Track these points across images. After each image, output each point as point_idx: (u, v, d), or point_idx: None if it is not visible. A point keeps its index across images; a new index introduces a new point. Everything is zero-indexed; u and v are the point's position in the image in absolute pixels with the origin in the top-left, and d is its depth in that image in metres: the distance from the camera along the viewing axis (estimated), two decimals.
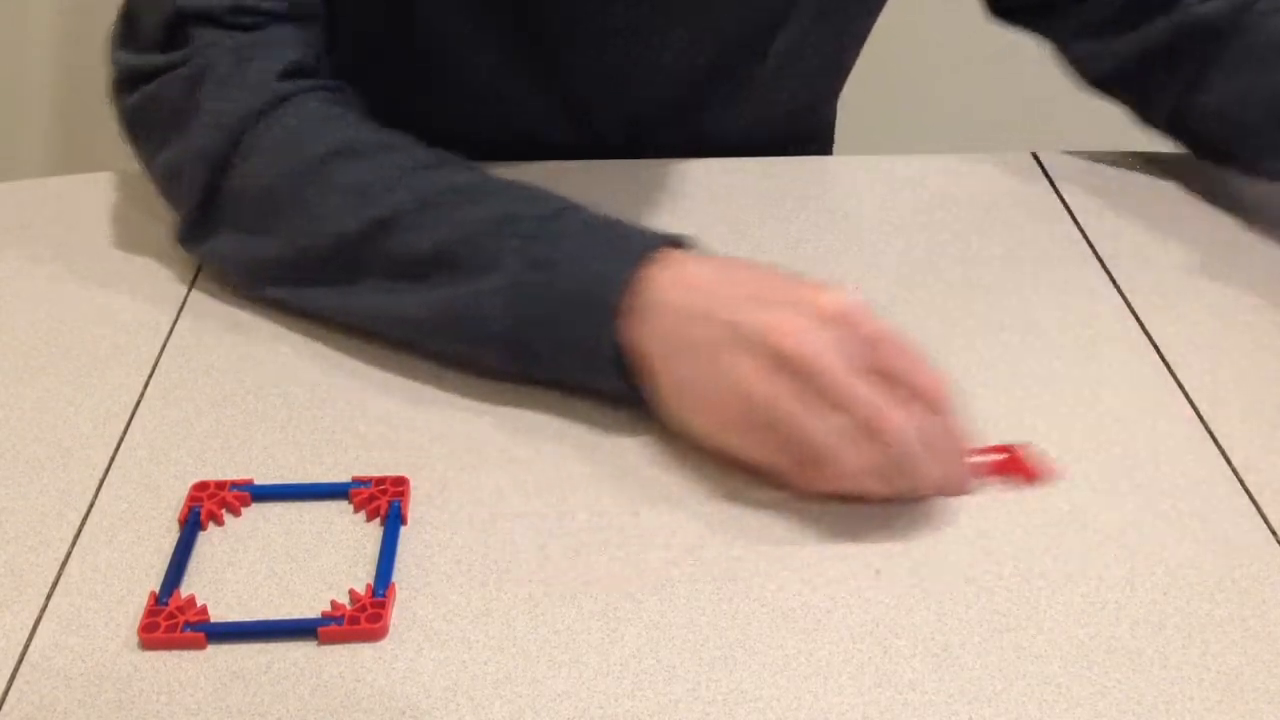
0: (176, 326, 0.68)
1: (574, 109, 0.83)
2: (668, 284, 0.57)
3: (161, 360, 0.65)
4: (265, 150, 0.66)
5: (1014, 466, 0.58)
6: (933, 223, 0.77)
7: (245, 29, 0.68)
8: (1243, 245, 0.75)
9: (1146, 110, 0.81)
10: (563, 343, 0.59)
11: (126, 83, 0.71)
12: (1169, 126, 0.80)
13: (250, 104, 0.66)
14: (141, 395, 0.63)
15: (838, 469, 0.54)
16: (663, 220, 0.77)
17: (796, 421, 0.54)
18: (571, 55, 0.81)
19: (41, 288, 0.71)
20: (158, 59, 0.69)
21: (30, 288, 0.71)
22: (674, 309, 0.57)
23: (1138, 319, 0.69)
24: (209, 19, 0.68)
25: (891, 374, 0.54)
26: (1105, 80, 0.82)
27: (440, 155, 0.66)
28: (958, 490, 0.56)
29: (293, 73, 0.68)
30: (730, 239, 0.76)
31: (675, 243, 0.60)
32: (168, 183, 0.70)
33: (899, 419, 0.53)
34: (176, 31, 0.68)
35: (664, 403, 0.58)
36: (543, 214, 0.61)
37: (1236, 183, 0.80)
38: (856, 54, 0.89)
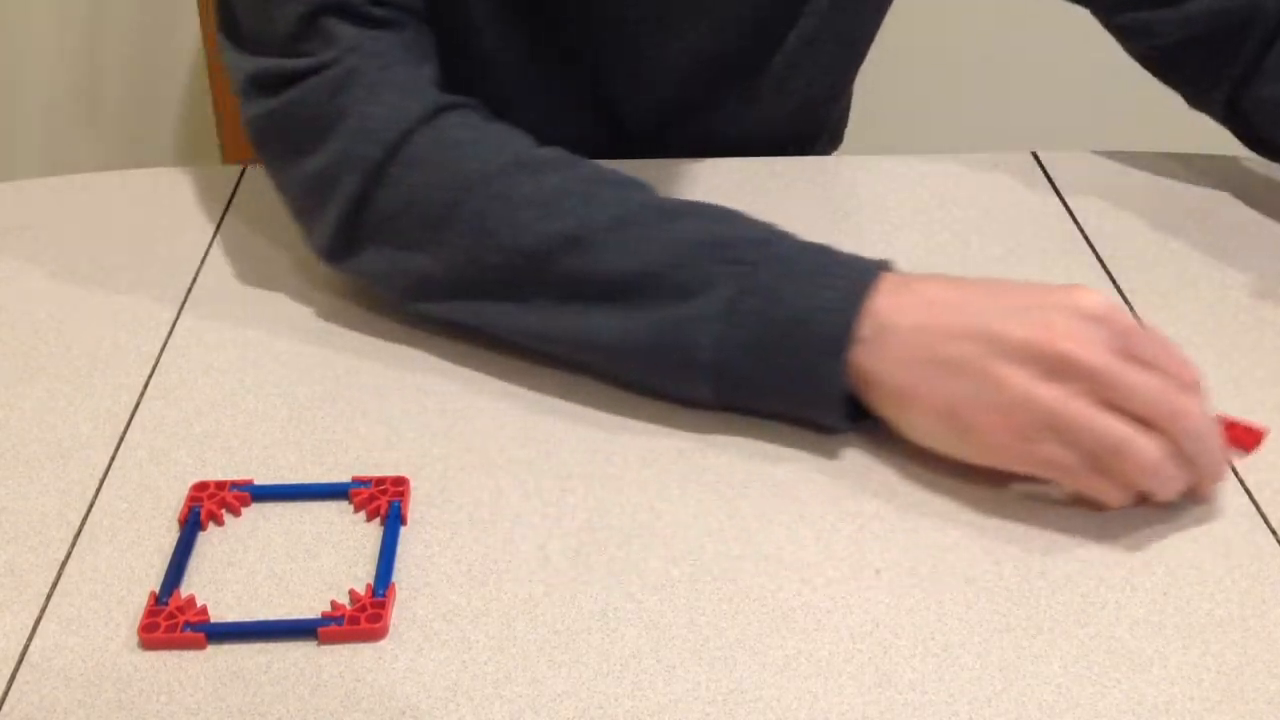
0: (176, 326, 0.68)
1: (598, 100, 0.83)
2: (902, 308, 0.57)
3: (161, 360, 0.65)
4: (429, 161, 0.63)
5: (1239, 437, 0.59)
6: (933, 223, 0.77)
7: (380, 23, 0.66)
8: (1242, 245, 0.75)
9: (1197, 96, 0.79)
10: (783, 373, 0.58)
11: (259, 87, 0.67)
12: (1225, 116, 0.79)
13: (407, 112, 0.64)
14: (141, 395, 0.63)
15: (1138, 461, 0.53)
16: None
17: (1090, 420, 0.53)
18: (596, 47, 0.81)
19: (41, 288, 0.71)
20: (297, 63, 0.65)
21: (30, 288, 0.71)
22: (918, 332, 0.56)
23: (1138, 319, 0.69)
24: (344, 11, 0.65)
25: (1150, 363, 0.54)
26: (1149, 61, 0.80)
27: (616, 171, 0.64)
28: (1221, 475, 0.56)
29: (437, 80, 0.67)
30: None
31: (884, 266, 0.59)
32: (310, 193, 0.66)
33: (1192, 403, 0.53)
34: (308, 29, 0.65)
35: (928, 427, 0.57)
36: (754, 238, 0.60)
37: (1236, 183, 0.80)
38: (871, 41, 0.89)
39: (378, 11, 0.66)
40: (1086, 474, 0.55)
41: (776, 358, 0.57)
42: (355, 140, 0.64)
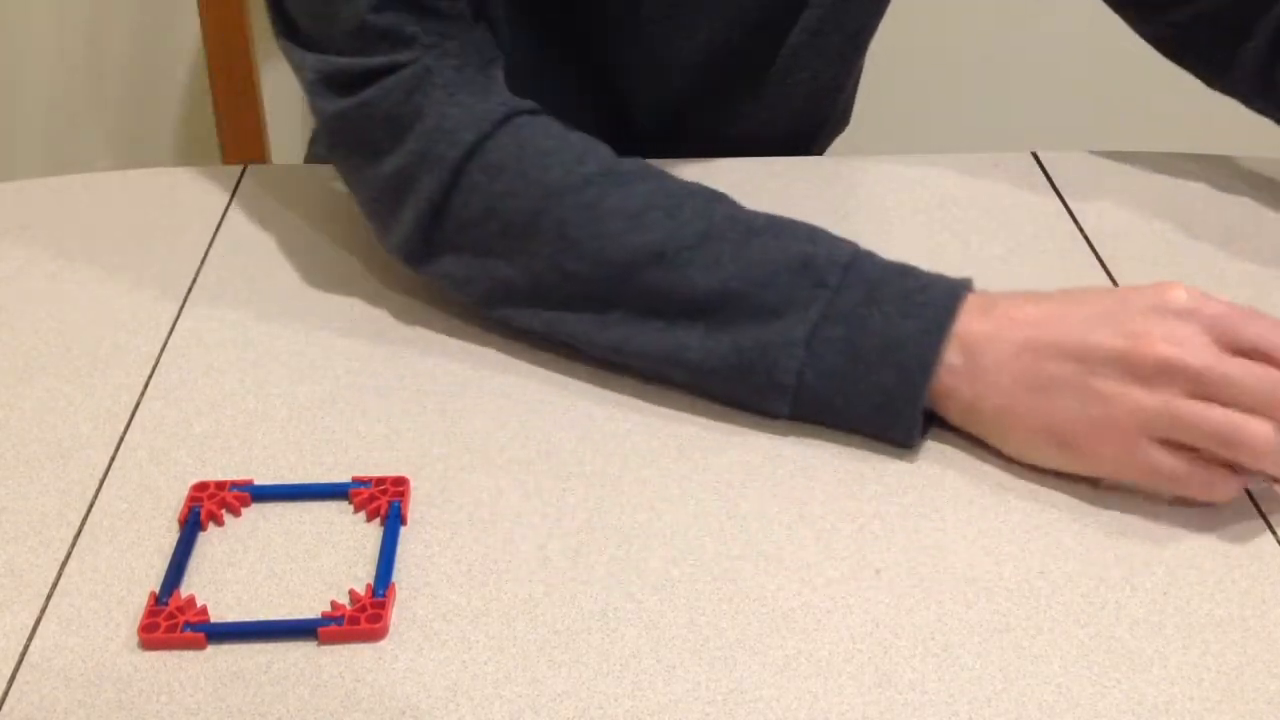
0: (176, 326, 0.68)
1: (607, 97, 0.83)
2: (989, 332, 0.57)
3: (161, 360, 0.65)
4: (510, 167, 0.63)
5: None
6: (933, 223, 0.77)
7: (446, 18, 0.65)
8: (1242, 245, 0.75)
9: (1217, 77, 0.78)
10: (865, 401, 0.58)
11: (332, 85, 0.66)
12: (1253, 94, 0.77)
13: (486, 114, 0.64)
14: (141, 395, 0.63)
15: (1253, 446, 0.53)
16: None
17: (1198, 417, 0.53)
18: (607, 46, 0.81)
19: (41, 288, 0.71)
20: (369, 60, 0.64)
21: (30, 288, 0.71)
22: (1011, 355, 0.56)
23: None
24: (411, 4, 0.64)
25: (1249, 348, 0.54)
26: (1163, 42, 0.80)
27: (698, 184, 0.63)
28: None
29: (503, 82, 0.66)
30: None
31: (967, 286, 0.59)
32: (386, 193, 0.65)
33: None
34: (376, 24, 0.64)
35: (1032, 446, 0.57)
36: (839, 259, 0.59)
37: (1236, 182, 0.80)
38: (874, 31, 0.89)
39: (443, 5, 0.65)
40: (1196, 476, 0.55)
41: (859, 385, 0.58)
42: (434, 141, 0.63)
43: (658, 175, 0.64)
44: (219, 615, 0.51)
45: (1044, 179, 0.82)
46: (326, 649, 0.50)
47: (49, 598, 0.52)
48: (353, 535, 0.55)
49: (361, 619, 0.51)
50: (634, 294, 0.61)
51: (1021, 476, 0.58)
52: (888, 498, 0.57)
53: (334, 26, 0.65)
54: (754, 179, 0.81)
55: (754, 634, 0.51)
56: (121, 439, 0.60)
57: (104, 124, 1.48)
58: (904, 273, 0.60)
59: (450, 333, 0.66)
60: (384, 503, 0.56)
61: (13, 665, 0.50)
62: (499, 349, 0.65)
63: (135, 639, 0.50)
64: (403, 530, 0.55)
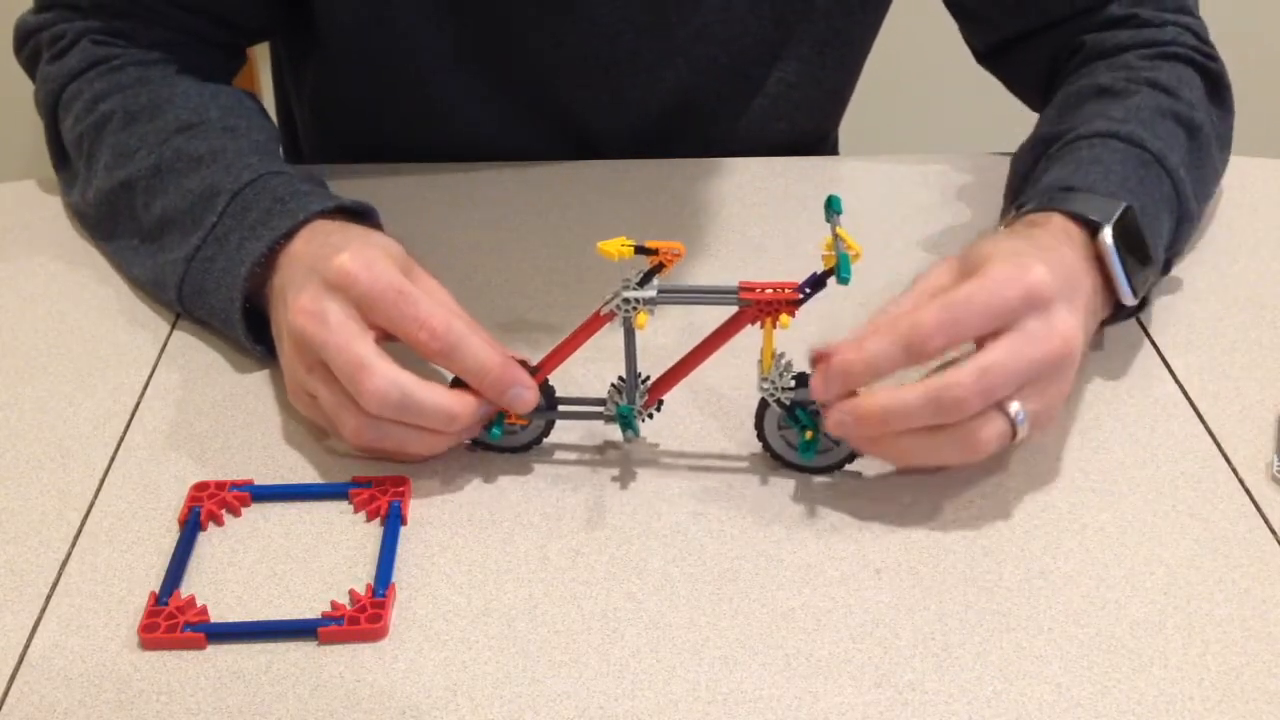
0: (176, 326, 0.68)
1: (574, 135, 0.84)
2: (307, 246, 0.61)
3: (161, 360, 0.65)
4: (74, 109, 0.74)
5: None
6: (932, 222, 0.77)
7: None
8: (1242, 245, 0.75)
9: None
10: (223, 308, 0.64)
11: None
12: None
13: (68, 67, 0.74)
14: (141, 395, 0.63)
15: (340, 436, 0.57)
16: (665, 220, 0.77)
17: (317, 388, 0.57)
18: (575, 85, 0.81)
19: (41, 288, 0.71)
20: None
21: (30, 288, 0.71)
22: (309, 266, 0.59)
23: (1138, 319, 0.69)
24: None
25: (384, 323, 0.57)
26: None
27: (201, 114, 0.70)
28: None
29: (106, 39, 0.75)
30: (731, 238, 0.76)
31: (346, 210, 0.64)
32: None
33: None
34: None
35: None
36: (233, 186, 0.65)
37: (1236, 183, 0.80)
38: (854, 84, 0.90)
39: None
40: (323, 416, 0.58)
41: (219, 295, 0.64)
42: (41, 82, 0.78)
43: (162, 112, 0.71)
44: (219, 615, 0.51)
45: None
46: (326, 649, 0.50)
47: (49, 598, 0.52)
48: (353, 535, 0.55)
49: (361, 619, 0.51)
50: (121, 223, 0.70)
51: (1021, 476, 0.58)
52: (888, 498, 0.57)
53: None
54: (755, 179, 0.81)
55: (754, 634, 0.51)
56: (121, 439, 0.60)
57: None
58: (280, 199, 0.64)
59: None
60: (384, 503, 0.56)
61: (13, 665, 0.50)
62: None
63: (135, 639, 0.50)
64: (403, 530, 0.55)
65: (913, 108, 1.62)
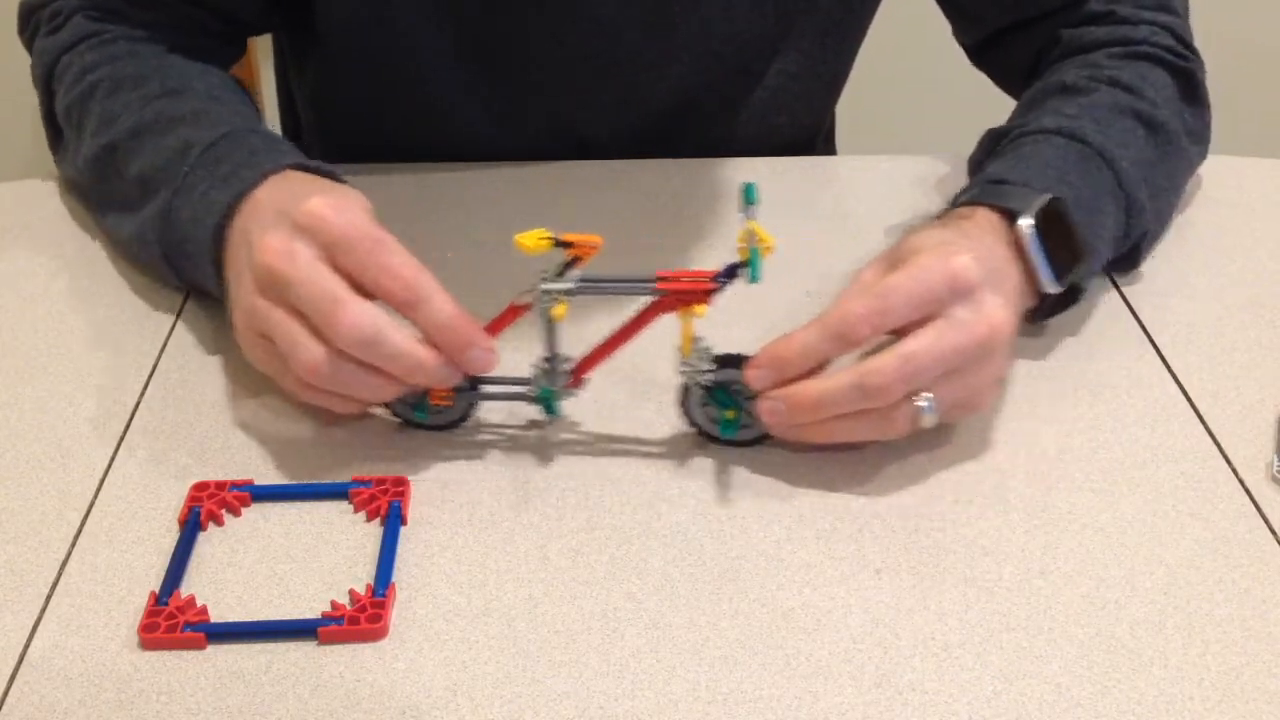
0: (176, 326, 0.68)
1: (574, 134, 0.84)
2: (262, 199, 0.61)
3: (161, 360, 0.65)
4: (65, 80, 0.75)
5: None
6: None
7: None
8: (1242, 245, 0.75)
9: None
10: (188, 259, 0.65)
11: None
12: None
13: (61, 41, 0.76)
14: (141, 395, 0.63)
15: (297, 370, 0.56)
16: (664, 219, 0.77)
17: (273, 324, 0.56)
18: (577, 85, 0.81)
19: (41, 288, 0.71)
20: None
21: (30, 288, 0.71)
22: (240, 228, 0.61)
23: (1138, 319, 0.69)
24: None
25: (357, 270, 0.56)
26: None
27: (185, 83, 0.71)
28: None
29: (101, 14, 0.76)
30: (730, 238, 0.76)
31: (305, 167, 0.64)
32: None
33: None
34: None
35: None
36: (204, 140, 0.66)
37: (1236, 183, 0.80)
38: (849, 70, 0.90)
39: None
40: (274, 365, 0.58)
41: (186, 247, 0.64)
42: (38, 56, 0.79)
43: (148, 80, 0.71)
44: (219, 615, 0.51)
45: None
46: (326, 649, 0.50)
47: (49, 598, 0.52)
48: (353, 535, 0.55)
49: (361, 619, 0.51)
50: (107, 186, 0.71)
51: (1021, 476, 0.58)
52: (888, 498, 0.57)
53: None
54: (755, 179, 0.81)
55: (754, 634, 0.51)
56: (121, 439, 0.60)
57: None
58: (254, 151, 0.64)
59: None
60: (384, 503, 0.56)
61: (13, 665, 0.50)
62: (498, 349, 0.65)
63: (135, 639, 0.50)
64: (403, 530, 0.55)
65: (912, 108, 1.62)
